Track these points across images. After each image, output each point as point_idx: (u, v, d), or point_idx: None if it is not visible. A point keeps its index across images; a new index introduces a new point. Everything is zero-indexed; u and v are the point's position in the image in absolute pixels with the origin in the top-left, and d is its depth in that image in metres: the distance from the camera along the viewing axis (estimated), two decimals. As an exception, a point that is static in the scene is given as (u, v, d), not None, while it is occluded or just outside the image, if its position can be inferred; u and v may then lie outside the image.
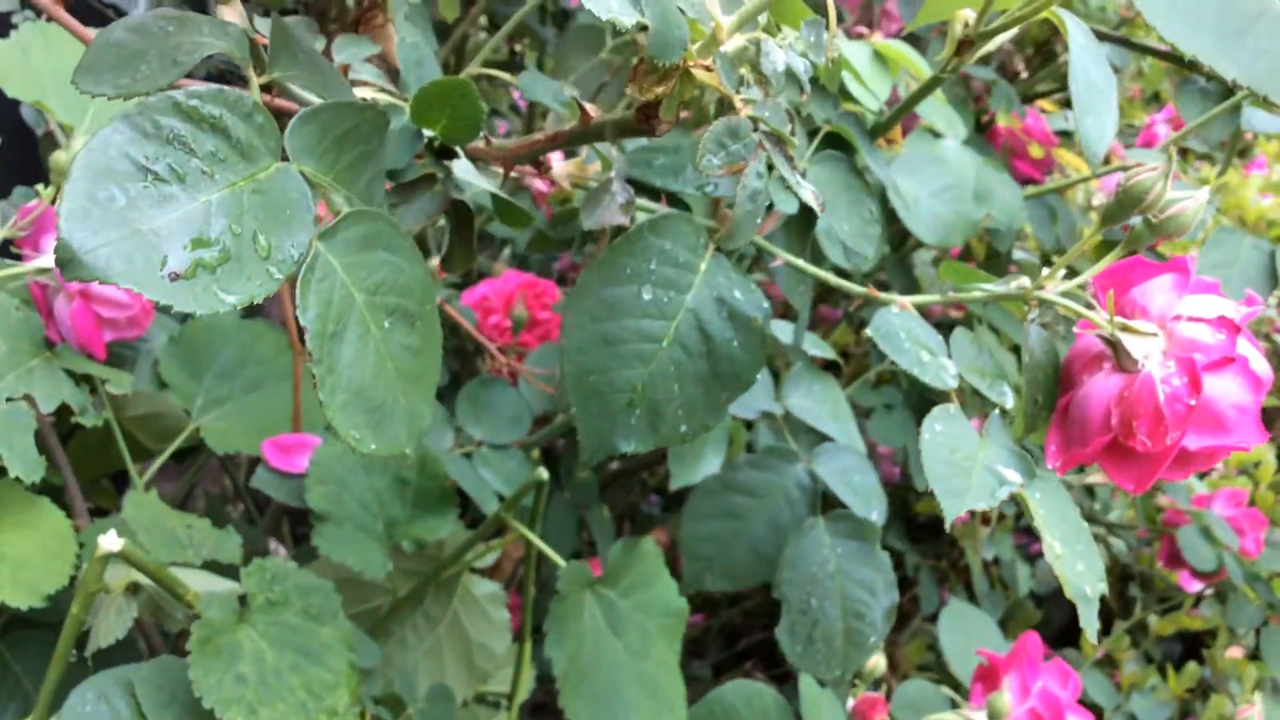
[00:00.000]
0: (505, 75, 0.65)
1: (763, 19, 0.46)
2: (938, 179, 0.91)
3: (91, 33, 0.48)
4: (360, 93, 0.56)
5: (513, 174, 0.56)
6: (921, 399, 1.10)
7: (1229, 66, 0.28)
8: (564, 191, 0.55)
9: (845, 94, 0.62)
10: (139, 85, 0.39)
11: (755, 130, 0.42)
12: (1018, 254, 1.35)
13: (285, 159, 0.40)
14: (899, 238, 1.11)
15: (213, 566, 0.75)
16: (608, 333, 0.52)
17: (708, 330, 0.53)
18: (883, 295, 0.54)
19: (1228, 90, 0.90)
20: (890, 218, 0.84)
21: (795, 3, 0.57)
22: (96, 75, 0.39)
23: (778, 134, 0.42)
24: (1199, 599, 1.47)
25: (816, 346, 0.72)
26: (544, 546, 0.78)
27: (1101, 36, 0.98)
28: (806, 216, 0.58)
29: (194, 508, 1.29)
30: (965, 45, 0.55)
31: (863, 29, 1.24)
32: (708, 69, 0.42)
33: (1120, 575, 1.52)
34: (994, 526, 1.18)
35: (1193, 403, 0.53)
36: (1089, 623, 0.51)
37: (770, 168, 0.42)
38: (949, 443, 0.49)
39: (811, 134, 0.61)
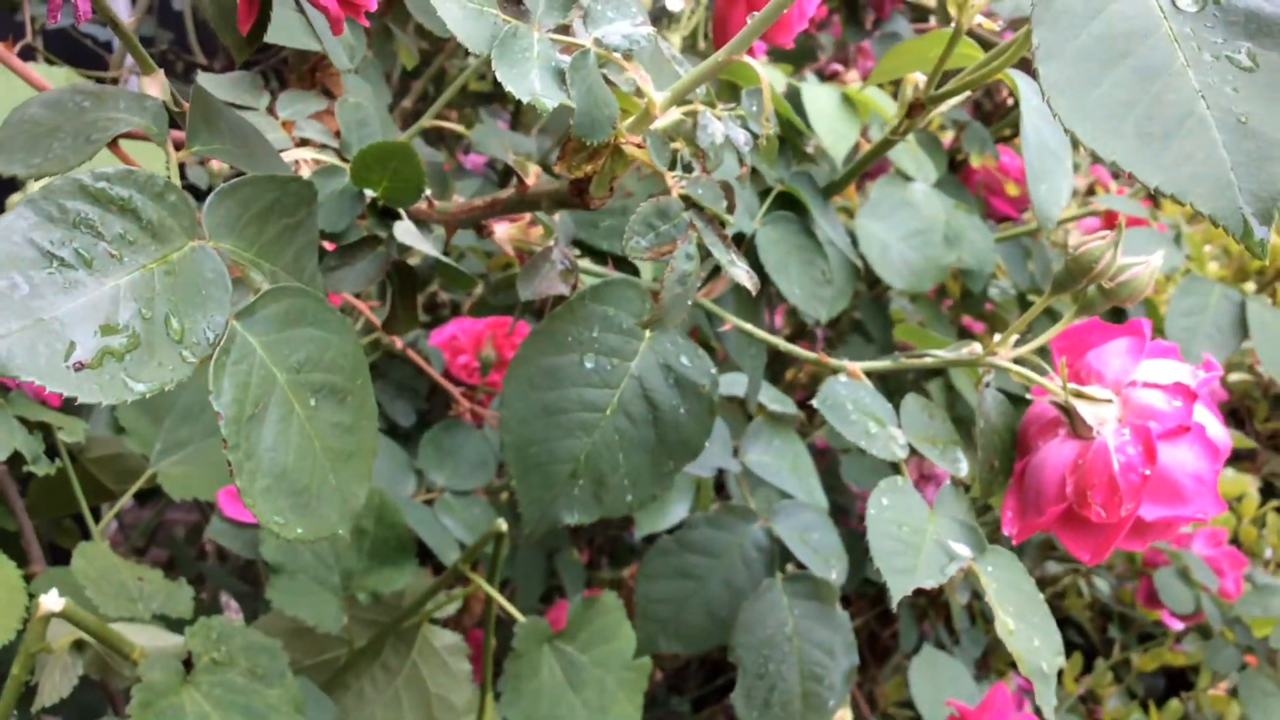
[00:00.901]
0: (458, 128, 0.64)
1: (702, 90, 0.45)
2: (907, 223, 0.90)
3: (50, 80, 0.47)
4: (301, 154, 0.54)
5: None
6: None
7: (1152, 173, 0.27)
8: (505, 257, 0.54)
9: (799, 152, 0.61)
10: (50, 165, 0.38)
11: (687, 209, 0.41)
12: (994, 290, 1.35)
13: (203, 236, 0.39)
14: (873, 274, 1.10)
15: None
16: (549, 403, 0.51)
17: (653, 398, 0.52)
18: (832, 362, 0.53)
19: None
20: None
21: (746, 67, 0.57)
22: (9, 154, 0.38)
23: (711, 212, 0.41)
24: (1181, 635, 1.45)
25: (776, 401, 0.71)
26: (503, 601, 0.76)
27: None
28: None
29: (165, 538, 1.27)
30: (916, 108, 0.54)
31: (838, 66, 1.23)
32: (639, 146, 0.41)
33: (1101, 611, 1.51)
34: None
35: (1148, 473, 0.51)
36: (1045, 701, 0.50)
37: (702, 247, 0.40)
38: (896, 517, 0.47)
39: (764, 193, 0.60)
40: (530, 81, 0.38)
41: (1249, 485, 1.71)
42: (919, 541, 0.47)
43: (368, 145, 0.52)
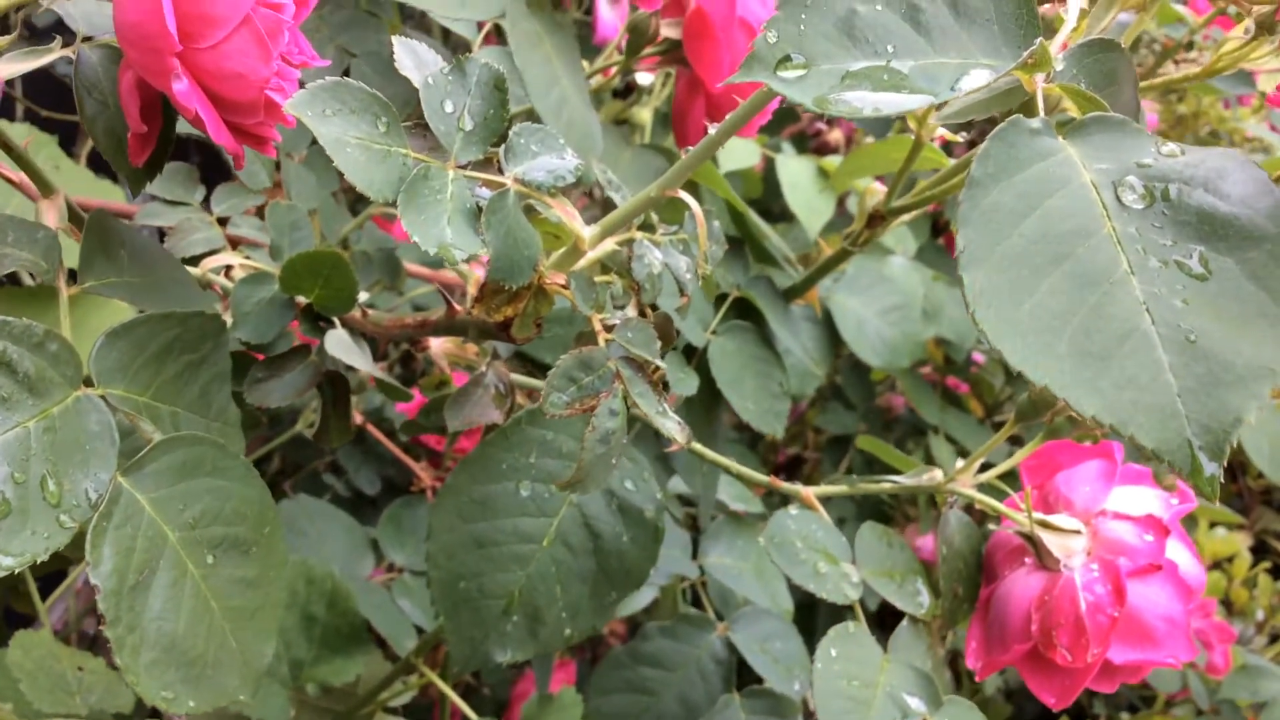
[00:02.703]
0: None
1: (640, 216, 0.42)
2: (885, 298, 0.87)
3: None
4: (228, 259, 0.52)
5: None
6: (876, 510, 1.06)
7: (1088, 400, 0.24)
8: (440, 374, 0.51)
9: (760, 253, 0.58)
10: (-80, 311, 0.35)
11: (613, 358, 0.38)
12: (981, 350, 1.32)
13: (91, 384, 0.37)
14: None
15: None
16: (480, 534, 0.48)
17: (595, 526, 0.49)
18: (784, 486, 0.50)
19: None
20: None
21: (707, 166, 0.54)
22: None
23: (640, 359, 0.38)
24: (1171, 701, 1.42)
25: (739, 500, 0.68)
26: (458, 701, 0.73)
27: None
28: (708, 396, 0.54)
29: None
30: (876, 219, 0.51)
31: (821, 125, 1.21)
32: (564, 287, 0.38)
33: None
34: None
35: (1116, 614, 0.49)
36: None
37: (628, 399, 0.38)
38: (846, 670, 0.44)
39: (720, 299, 0.57)
40: (440, 229, 0.35)
41: (1240, 544, 1.68)
42: (869, 696, 0.44)
43: (297, 255, 0.49)
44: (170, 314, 0.39)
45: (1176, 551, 0.51)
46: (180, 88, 0.33)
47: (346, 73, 0.65)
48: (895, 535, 0.52)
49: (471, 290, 0.44)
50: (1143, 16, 0.39)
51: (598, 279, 0.41)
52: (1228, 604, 1.67)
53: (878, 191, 0.51)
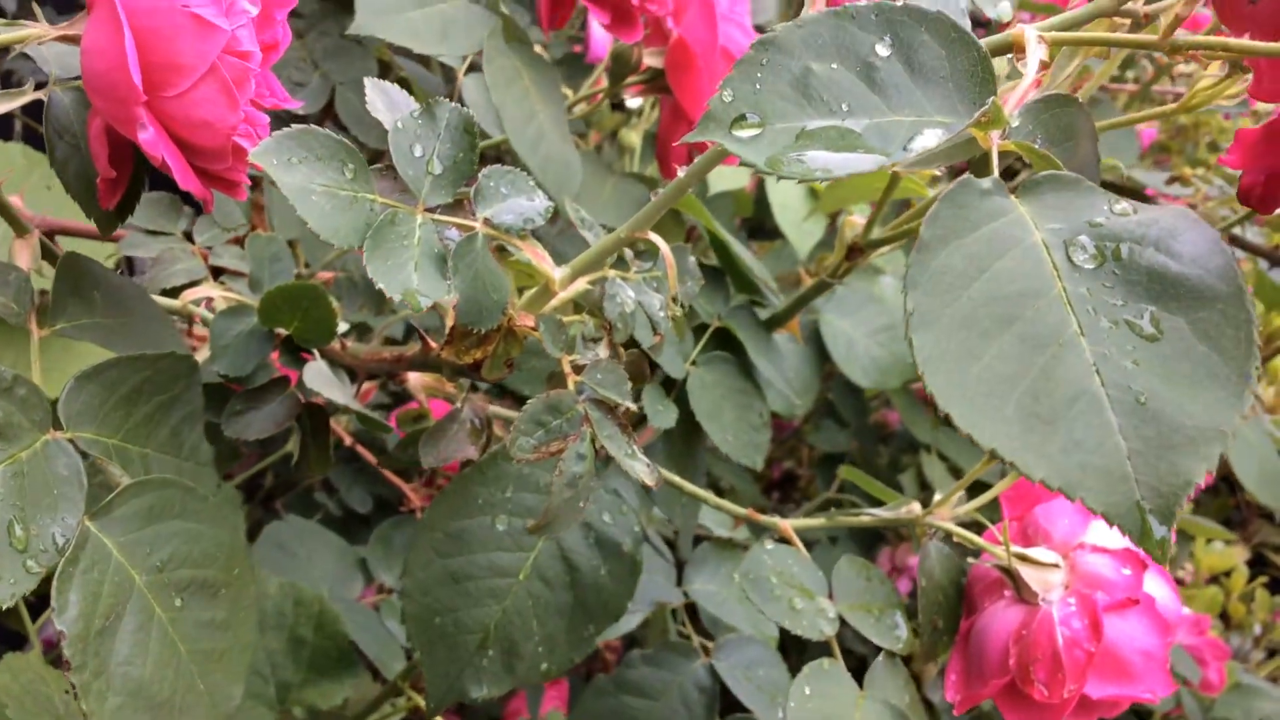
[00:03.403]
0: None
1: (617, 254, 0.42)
2: (875, 319, 0.87)
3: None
4: (208, 292, 0.52)
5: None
6: (868, 530, 1.06)
7: (1036, 464, 0.24)
8: (419, 408, 0.51)
9: (742, 282, 0.58)
10: (-112, 358, 0.35)
11: (583, 400, 0.38)
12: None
13: (60, 427, 0.37)
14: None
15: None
16: (456, 569, 0.48)
17: (572, 559, 0.49)
18: (763, 519, 0.50)
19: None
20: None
21: (693, 199, 0.54)
22: None
23: (609, 401, 0.38)
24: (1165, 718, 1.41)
25: (723, 525, 0.68)
26: (441, 725, 0.73)
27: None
28: (689, 427, 0.54)
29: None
30: (855, 251, 0.51)
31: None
32: (534, 329, 0.38)
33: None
34: (941, 663, 1.13)
35: (1093, 649, 0.48)
36: None
37: (596, 442, 0.38)
38: (821, 708, 0.44)
39: (701, 329, 0.57)
40: (406, 274, 0.35)
41: (1237, 559, 1.68)
42: (843, 734, 0.44)
43: (275, 287, 0.49)
44: (141, 356, 0.39)
45: (1154, 585, 0.51)
46: (146, 137, 0.33)
47: (331, 101, 0.66)
48: (874, 568, 0.52)
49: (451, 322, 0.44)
50: (1109, 64, 0.39)
51: (570, 318, 0.41)
52: (1225, 618, 1.66)
53: (857, 224, 0.51)
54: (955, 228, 0.26)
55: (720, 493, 0.92)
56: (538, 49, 0.54)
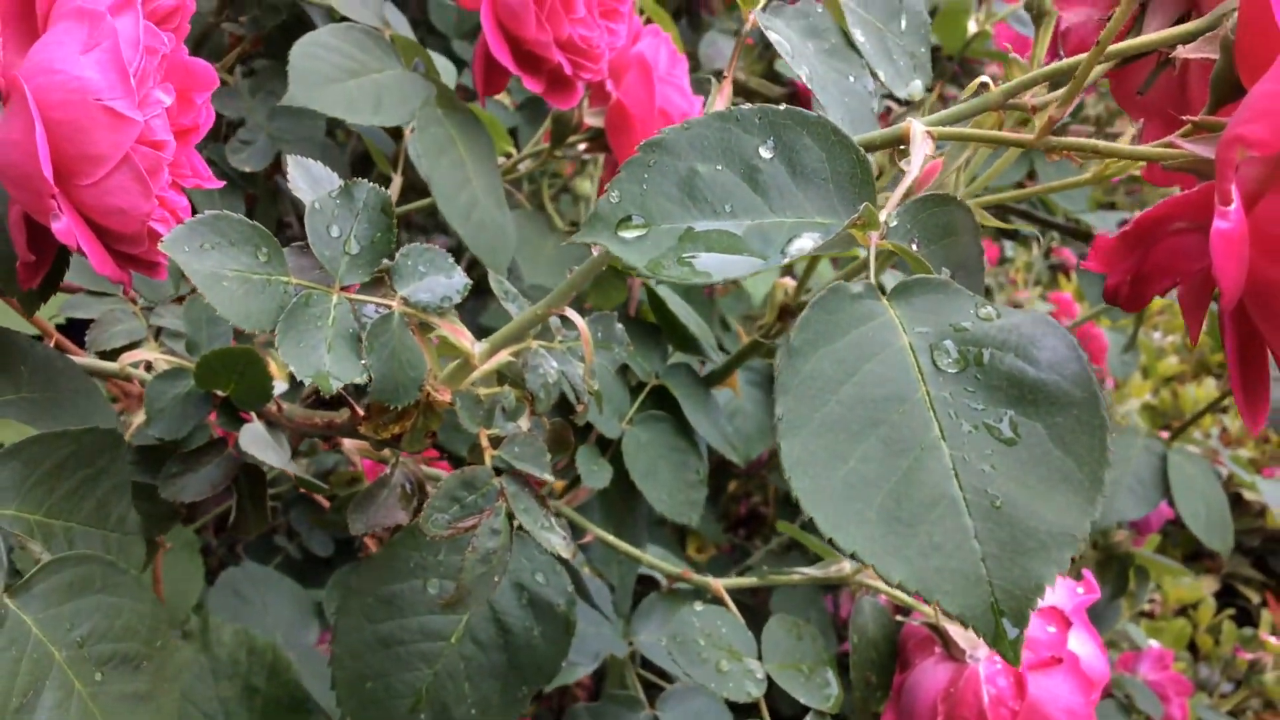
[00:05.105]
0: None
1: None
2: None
3: None
4: (144, 355, 0.52)
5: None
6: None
7: (895, 567, 0.25)
8: (352, 471, 0.52)
9: (681, 339, 0.58)
10: None
11: (500, 474, 0.39)
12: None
13: (-20, 505, 0.37)
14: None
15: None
16: (386, 634, 0.48)
17: (505, 621, 0.50)
18: (696, 579, 0.51)
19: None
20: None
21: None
22: None
23: (526, 475, 0.39)
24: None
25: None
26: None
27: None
28: (625, 486, 0.55)
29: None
30: (786, 312, 0.52)
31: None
32: (451, 404, 0.39)
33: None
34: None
35: (1017, 708, 0.49)
36: None
37: (512, 517, 0.38)
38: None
39: (639, 388, 0.58)
40: (318, 356, 0.36)
41: (1205, 591, 1.69)
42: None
43: (211, 351, 0.50)
44: (64, 432, 0.39)
45: (1079, 643, 0.52)
46: (59, 226, 0.34)
47: (278, 159, 0.66)
48: (805, 626, 0.52)
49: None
50: (1001, 163, 0.40)
51: (490, 391, 0.42)
52: (1194, 649, 1.67)
53: (789, 285, 0.52)
54: (825, 333, 0.27)
55: (681, 531, 0.92)
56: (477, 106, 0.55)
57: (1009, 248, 1.86)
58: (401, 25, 0.61)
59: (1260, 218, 0.24)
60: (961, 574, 0.25)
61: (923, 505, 0.25)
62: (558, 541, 0.39)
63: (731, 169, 0.29)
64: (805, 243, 0.28)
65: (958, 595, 0.25)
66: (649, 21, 0.83)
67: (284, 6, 0.60)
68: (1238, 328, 0.26)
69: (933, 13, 1.14)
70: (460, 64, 0.72)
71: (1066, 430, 0.26)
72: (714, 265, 0.28)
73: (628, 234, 0.29)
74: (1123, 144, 0.40)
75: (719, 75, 0.42)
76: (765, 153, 0.30)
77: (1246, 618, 1.80)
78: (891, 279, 0.30)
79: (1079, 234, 1.02)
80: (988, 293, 1.52)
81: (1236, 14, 0.27)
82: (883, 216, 0.30)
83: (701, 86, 0.69)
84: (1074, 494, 0.25)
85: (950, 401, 0.26)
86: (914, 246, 0.30)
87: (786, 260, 0.28)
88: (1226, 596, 1.85)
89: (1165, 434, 1.05)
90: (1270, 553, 1.94)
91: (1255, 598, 1.85)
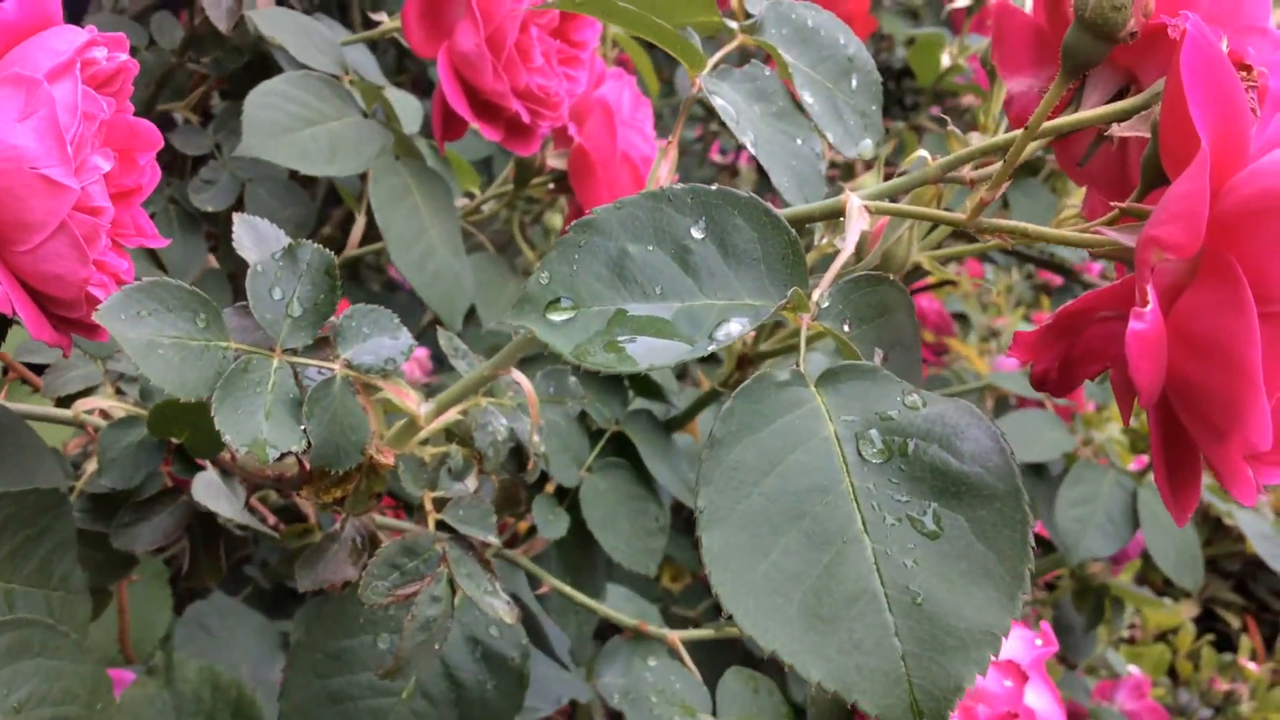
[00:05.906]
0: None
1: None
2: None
3: None
4: (98, 403, 0.52)
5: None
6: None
7: (814, 665, 0.25)
8: (305, 524, 0.52)
9: (642, 385, 0.58)
10: None
11: (442, 538, 0.38)
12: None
13: (-85, 571, 0.37)
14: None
15: None
16: (336, 689, 0.48)
17: (457, 676, 0.49)
18: (653, 630, 0.51)
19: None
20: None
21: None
22: None
23: (470, 539, 0.38)
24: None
25: (639, 615, 0.68)
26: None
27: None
28: (583, 535, 0.54)
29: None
30: (744, 362, 0.52)
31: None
32: (394, 467, 0.39)
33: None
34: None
35: (973, 764, 0.49)
36: None
37: (454, 583, 0.38)
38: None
39: (598, 435, 0.58)
40: (255, 423, 0.35)
41: (1184, 617, 1.69)
42: None
43: (164, 400, 0.50)
44: (4, 494, 0.39)
45: (1035, 697, 0.51)
46: (-7, 294, 0.34)
47: (241, 197, 0.66)
48: (762, 679, 0.52)
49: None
50: (932, 237, 0.40)
51: (436, 450, 0.42)
52: (1173, 674, 1.67)
53: (748, 336, 0.52)
54: (750, 423, 0.26)
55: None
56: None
57: (989, 270, 1.87)
58: (367, 67, 0.61)
59: (1180, 315, 0.24)
60: (881, 672, 0.24)
61: (844, 601, 0.25)
62: (501, 607, 0.39)
63: (663, 249, 0.29)
64: (734, 327, 0.28)
65: (877, 695, 0.24)
66: (621, 53, 0.83)
67: (247, 48, 0.60)
68: (1161, 421, 0.26)
69: (909, 44, 1.14)
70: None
71: (989, 524, 0.26)
72: (641, 352, 0.27)
73: (556, 316, 0.29)
74: (1067, 213, 0.40)
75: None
76: (697, 233, 0.29)
77: (1226, 642, 1.80)
78: (826, 357, 0.30)
79: (1053, 266, 1.02)
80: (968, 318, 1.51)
81: (1164, 100, 0.27)
82: (815, 296, 0.30)
83: (675, 113, 0.69)
84: (995, 590, 0.25)
85: (874, 493, 0.26)
86: (846, 328, 0.30)
87: (714, 348, 0.28)
88: (1207, 620, 1.85)
89: (1144, 459, 1.05)
90: (1250, 576, 1.95)
91: (1235, 622, 1.86)
